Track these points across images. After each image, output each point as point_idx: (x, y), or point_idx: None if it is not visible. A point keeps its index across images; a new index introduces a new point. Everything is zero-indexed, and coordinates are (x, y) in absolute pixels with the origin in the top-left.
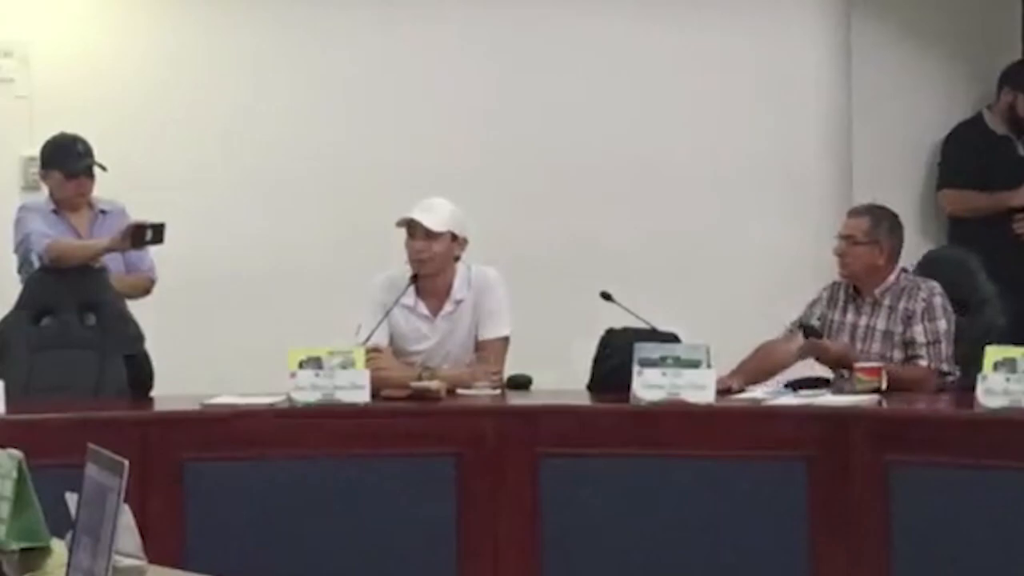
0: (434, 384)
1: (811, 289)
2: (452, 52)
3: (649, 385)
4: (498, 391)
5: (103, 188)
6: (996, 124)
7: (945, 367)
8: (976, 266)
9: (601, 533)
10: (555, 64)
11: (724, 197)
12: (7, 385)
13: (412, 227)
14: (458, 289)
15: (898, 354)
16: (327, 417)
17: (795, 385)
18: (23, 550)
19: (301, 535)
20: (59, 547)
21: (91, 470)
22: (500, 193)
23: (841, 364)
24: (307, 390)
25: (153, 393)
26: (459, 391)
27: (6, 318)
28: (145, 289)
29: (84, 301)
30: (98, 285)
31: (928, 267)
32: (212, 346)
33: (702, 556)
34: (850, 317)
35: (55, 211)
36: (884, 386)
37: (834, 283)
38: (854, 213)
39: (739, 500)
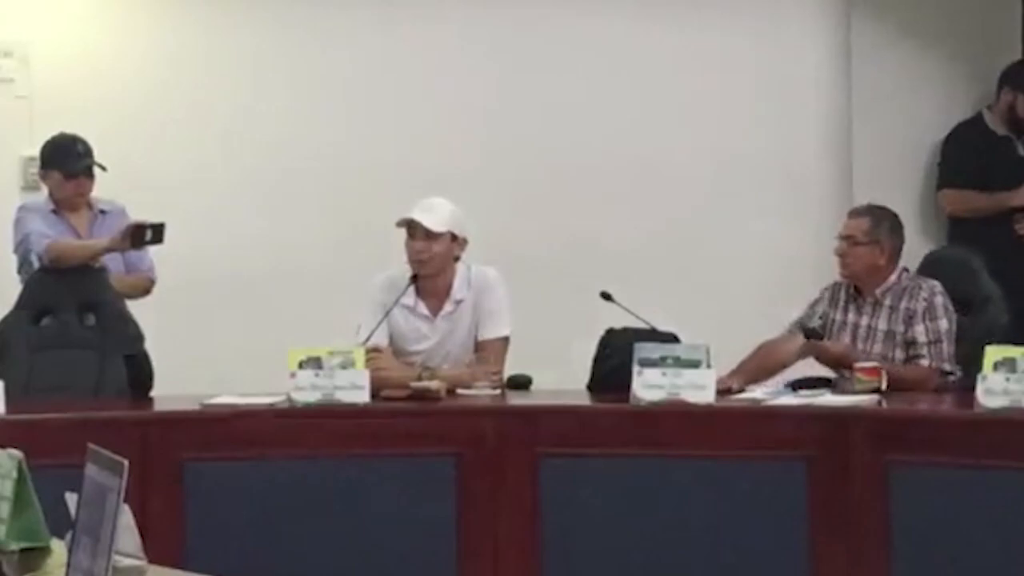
0: (434, 384)
1: (811, 289)
2: (452, 52)
3: (649, 385)
4: (498, 391)
5: (103, 188)
6: (996, 124)
7: (947, 367)
8: (978, 266)
9: (601, 533)
10: (555, 64)
11: (724, 197)
12: (7, 385)
13: (412, 227)
14: (458, 289)
15: (900, 354)
16: (327, 417)
17: (797, 385)
18: (23, 550)
19: (301, 535)
20: (59, 547)
21: (91, 470)
22: (500, 193)
23: (841, 365)
24: (307, 390)
25: (153, 393)
26: (459, 391)
27: (6, 318)
28: (145, 289)
29: (84, 301)
30: (98, 285)
31: (930, 267)
32: (212, 346)
33: (702, 556)
34: (851, 317)
35: (55, 211)
36: (884, 386)
37: (835, 283)
38: (854, 213)
39: (739, 500)
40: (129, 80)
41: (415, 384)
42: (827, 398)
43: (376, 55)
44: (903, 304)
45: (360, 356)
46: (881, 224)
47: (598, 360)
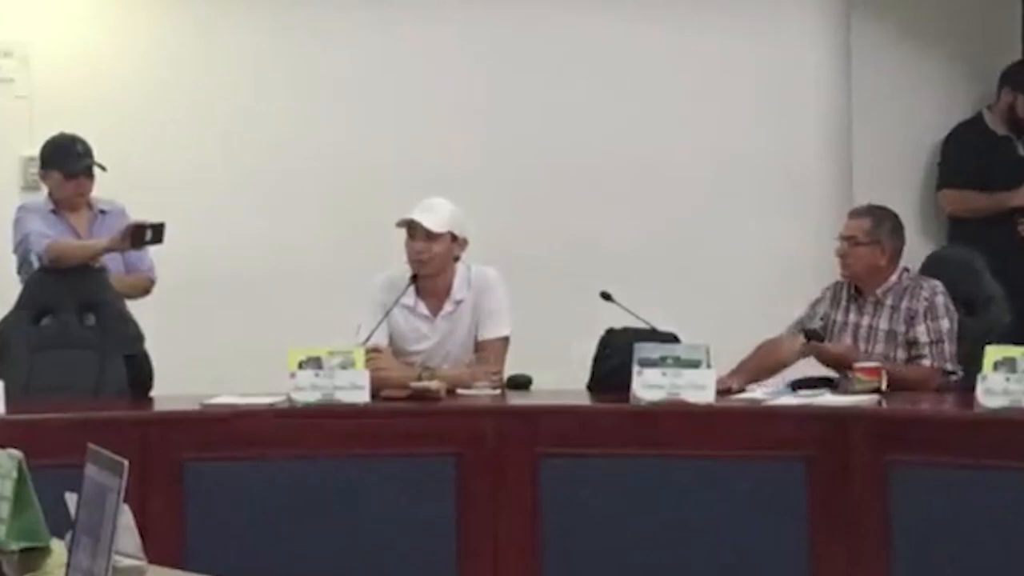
0: (434, 384)
1: (811, 289)
2: (452, 52)
3: (649, 385)
4: (498, 391)
5: (103, 188)
6: (996, 124)
7: (949, 366)
8: (981, 265)
9: (601, 533)
10: (555, 64)
11: (724, 197)
12: (7, 385)
13: (412, 228)
14: (458, 289)
15: (902, 354)
16: (327, 417)
17: (798, 385)
18: (23, 550)
19: (301, 535)
20: (59, 547)
21: (91, 470)
22: (500, 193)
23: (842, 365)
24: (307, 390)
25: (153, 393)
26: (459, 391)
27: (6, 318)
28: (145, 289)
29: (84, 301)
30: (98, 285)
31: (933, 266)
32: (212, 346)
33: (702, 556)
34: (852, 317)
35: (54, 211)
36: (884, 386)
37: (836, 283)
38: (855, 214)
39: (739, 500)
40: (129, 80)
41: (415, 384)
42: (827, 398)
43: (376, 55)
44: (904, 304)
45: (360, 356)
46: (882, 224)
47: (598, 360)
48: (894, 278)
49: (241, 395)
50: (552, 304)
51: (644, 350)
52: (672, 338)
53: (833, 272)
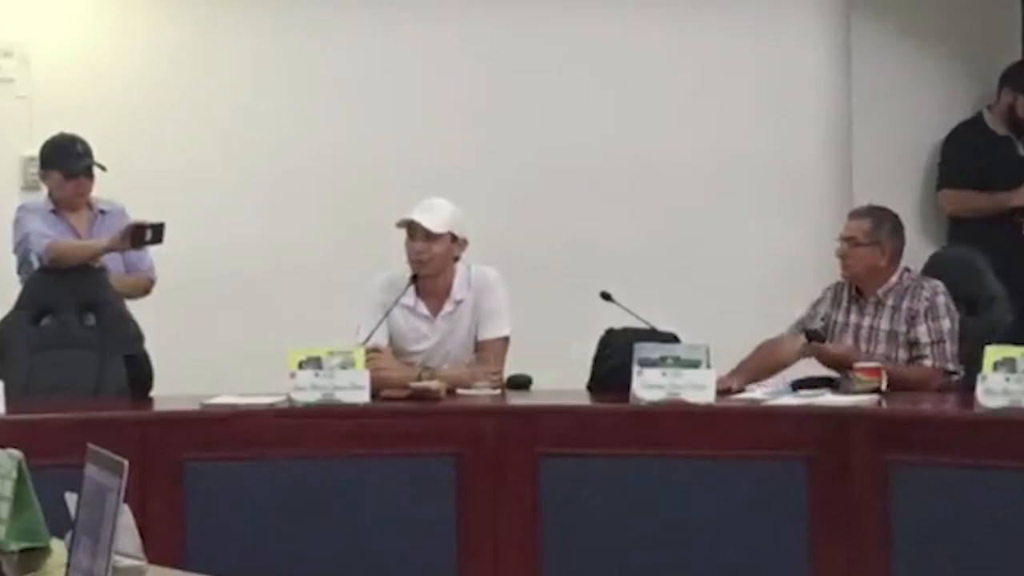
0: (434, 384)
1: (811, 289)
2: (452, 52)
3: (649, 385)
4: (498, 391)
5: (103, 188)
6: (996, 124)
7: (950, 366)
8: (983, 265)
9: (601, 533)
10: (555, 64)
11: (724, 197)
12: (7, 385)
13: (412, 228)
14: (458, 289)
15: (903, 354)
16: (327, 417)
17: (800, 384)
18: (23, 550)
19: (301, 535)
20: (59, 547)
21: (91, 470)
22: (500, 193)
23: (843, 366)
24: (307, 390)
25: (153, 393)
26: (459, 391)
27: (6, 318)
28: (145, 289)
29: (84, 301)
30: (98, 285)
31: (935, 266)
32: (212, 346)
33: (702, 556)
34: (853, 318)
35: (54, 211)
36: (884, 386)
37: (837, 283)
38: (855, 215)
39: (739, 500)
40: (129, 80)
41: (415, 384)
42: (827, 398)
43: (376, 55)
44: (905, 304)
45: (360, 356)
46: (882, 225)
47: (598, 360)
48: (895, 278)
49: (241, 395)
50: (552, 304)
51: (644, 350)
52: (672, 338)
53: (833, 272)
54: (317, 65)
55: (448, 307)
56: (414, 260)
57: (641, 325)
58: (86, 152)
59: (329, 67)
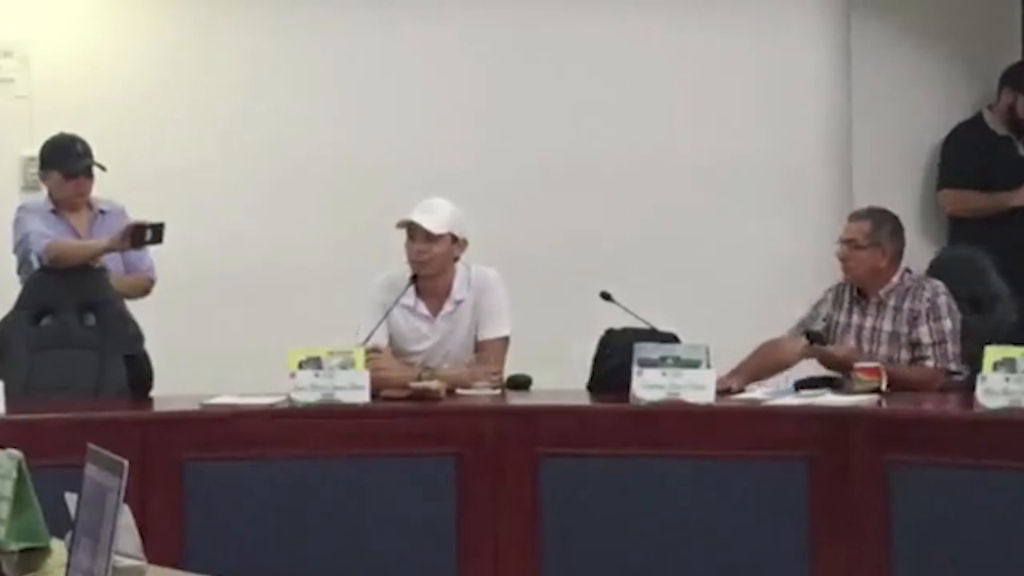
0: (434, 384)
1: (811, 289)
2: (452, 52)
3: (649, 385)
4: (498, 391)
5: (102, 188)
6: (996, 124)
7: (952, 366)
8: (987, 264)
9: (601, 533)
10: (555, 64)
11: (724, 197)
12: (7, 385)
13: (412, 229)
14: (458, 289)
15: (905, 355)
16: (327, 417)
17: (802, 384)
18: (23, 550)
19: (301, 535)
20: (59, 547)
21: (91, 470)
22: (500, 193)
23: (844, 368)
24: (307, 390)
25: (153, 393)
26: (459, 391)
27: (6, 318)
28: (144, 289)
29: (84, 301)
30: (98, 285)
31: (939, 266)
32: (212, 346)
33: (702, 556)
34: (855, 319)
35: (54, 211)
36: (884, 386)
37: (838, 284)
38: (855, 217)
39: (739, 500)
40: (129, 80)
41: (415, 384)
42: (827, 398)
43: (376, 55)
44: (907, 305)
45: (360, 356)
46: (882, 227)
47: (598, 360)
48: (896, 279)
49: (241, 395)
50: (552, 304)
51: (644, 350)
52: (672, 338)
53: (833, 272)
54: (317, 65)
55: (448, 307)
56: (414, 261)
57: (641, 325)
58: (86, 152)
59: (329, 67)
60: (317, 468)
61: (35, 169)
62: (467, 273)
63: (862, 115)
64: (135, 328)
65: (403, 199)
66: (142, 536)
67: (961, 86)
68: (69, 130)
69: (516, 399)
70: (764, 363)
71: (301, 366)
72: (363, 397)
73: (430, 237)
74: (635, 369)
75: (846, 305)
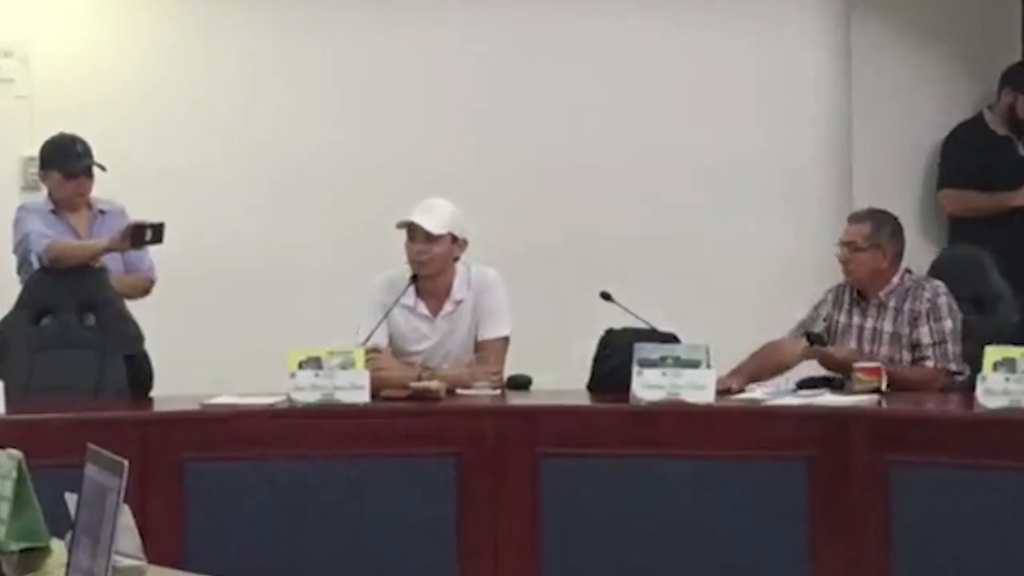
0: (434, 384)
1: (811, 289)
2: (452, 52)
3: (649, 385)
4: (498, 391)
5: (102, 188)
6: (996, 124)
7: (953, 366)
8: (989, 264)
9: (601, 533)
10: (555, 64)
11: (724, 197)
12: (7, 385)
13: (412, 230)
14: (458, 289)
15: (906, 356)
16: (327, 417)
17: (804, 384)
18: (23, 550)
19: (301, 535)
20: (59, 547)
21: (91, 470)
22: (500, 193)
23: (845, 369)
24: (307, 390)
25: (153, 393)
26: (459, 391)
27: (6, 318)
28: (144, 289)
29: (84, 301)
30: (98, 285)
31: (940, 266)
32: (212, 346)
33: (702, 556)
34: (856, 320)
35: (54, 211)
36: (884, 386)
37: (839, 285)
38: (855, 219)
39: (739, 500)
40: (129, 80)
41: (415, 384)
42: (827, 398)
43: (376, 55)
44: (907, 305)
45: (360, 356)
46: (882, 228)
47: (598, 360)
48: (896, 280)
49: (241, 395)
50: (552, 304)
51: (644, 350)
52: (672, 338)
53: (833, 273)
54: (317, 65)
55: (448, 307)
56: (414, 261)
57: (641, 325)
58: (86, 152)
59: (329, 67)
60: (317, 468)
61: (35, 169)
62: (467, 273)
63: (862, 115)
64: (135, 328)
65: (403, 199)
66: (142, 536)
67: (961, 86)
68: (69, 130)
69: (516, 399)
70: (764, 364)
71: (301, 366)
72: (363, 397)
73: (430, 237)
74: (635, 369)
75: (846, 306)
